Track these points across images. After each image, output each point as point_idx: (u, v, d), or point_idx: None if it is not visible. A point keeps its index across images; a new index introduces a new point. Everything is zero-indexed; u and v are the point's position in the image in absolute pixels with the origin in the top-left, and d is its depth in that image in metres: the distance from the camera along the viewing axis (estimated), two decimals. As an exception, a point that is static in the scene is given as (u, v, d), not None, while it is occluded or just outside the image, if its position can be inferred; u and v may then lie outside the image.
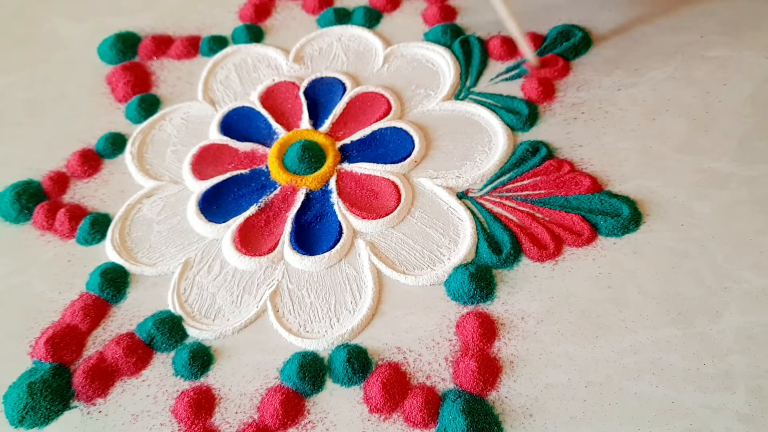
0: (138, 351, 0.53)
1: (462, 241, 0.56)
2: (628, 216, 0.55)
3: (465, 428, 0.46)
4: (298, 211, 0.60)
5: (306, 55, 0.73)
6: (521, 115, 0.63)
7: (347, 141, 0.64)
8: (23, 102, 0.74)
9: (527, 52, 0.64)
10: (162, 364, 0.53)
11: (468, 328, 0.51)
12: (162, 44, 0.76)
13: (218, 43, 0.75)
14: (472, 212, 0.58)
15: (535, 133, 0.62)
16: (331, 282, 0.56)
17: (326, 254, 0.57)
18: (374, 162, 0.62)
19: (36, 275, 0.59)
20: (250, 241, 0.59)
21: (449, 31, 0.70)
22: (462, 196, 0.59)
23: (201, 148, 0.66)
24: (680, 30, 0.67)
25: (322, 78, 0.70)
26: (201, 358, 0.53)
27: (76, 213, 0.63)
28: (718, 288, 0.51)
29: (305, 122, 0.66)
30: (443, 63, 0.68)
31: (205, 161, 0.65)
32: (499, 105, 0.64)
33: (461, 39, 0.70)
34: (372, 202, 0.60)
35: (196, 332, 0.54)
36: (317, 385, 0.51)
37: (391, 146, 0.63)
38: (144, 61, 0.75)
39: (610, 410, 0.47)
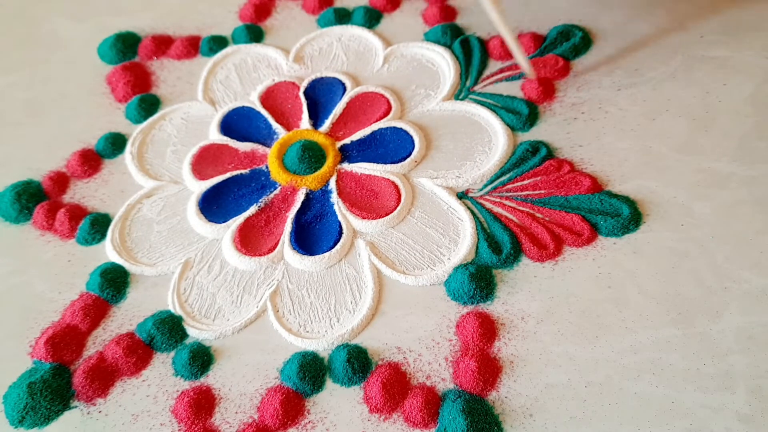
0: (138, 351, 0.53)
1: (462, 241, 0.56)
2: (628, 216, 0.55)
3: (465, 428, 0.46)
4: (298, 211, 0.60)
5: (306, 55, 0.73)
6: (521, 115, 0.63)
7: (347, 141, 0.64)
8: (23, 102, 0.73)
9: (525, 66, 0.64)
10: (162, 364, 0.53)
11: (468, 328, 0.51)
12: (162, 44, 0.76)
13: (218, 43, 0.75)
14: (472, 212, 0.58)
15: (535, 133, 0.62)
16: (331, 282, 0.56)
17: (326, 254, 0.57)
18: (374, 162, 0.62)
19: (36, 275, 0.59)
20: (250, 241, 0.59)
21: (449, 31, 0.70)
22: (462, 196, 0.59)
23: (201, 148, 0.66)
24: (680, 30, 0.67)
25: (322, 78, 0.70)
26: (201, 358, 0.53)
27: (76, 213, 0.62)
28: (718, 288, 0.51)
29: (305, 122, 0.66)
30: (443, 63, 0.68)
31: (205, 161, 0.65)
32: (499, 105, 0.64)
33: (461, 39, 0.70)
34: (372, 202, 0.60)
35: (196, 332, 0.54)
36: (317, 385, 0.51)
37: (391, 146, 0.63)
38: (144, 61, 0.75)
39: (610, 410, 0.47)
